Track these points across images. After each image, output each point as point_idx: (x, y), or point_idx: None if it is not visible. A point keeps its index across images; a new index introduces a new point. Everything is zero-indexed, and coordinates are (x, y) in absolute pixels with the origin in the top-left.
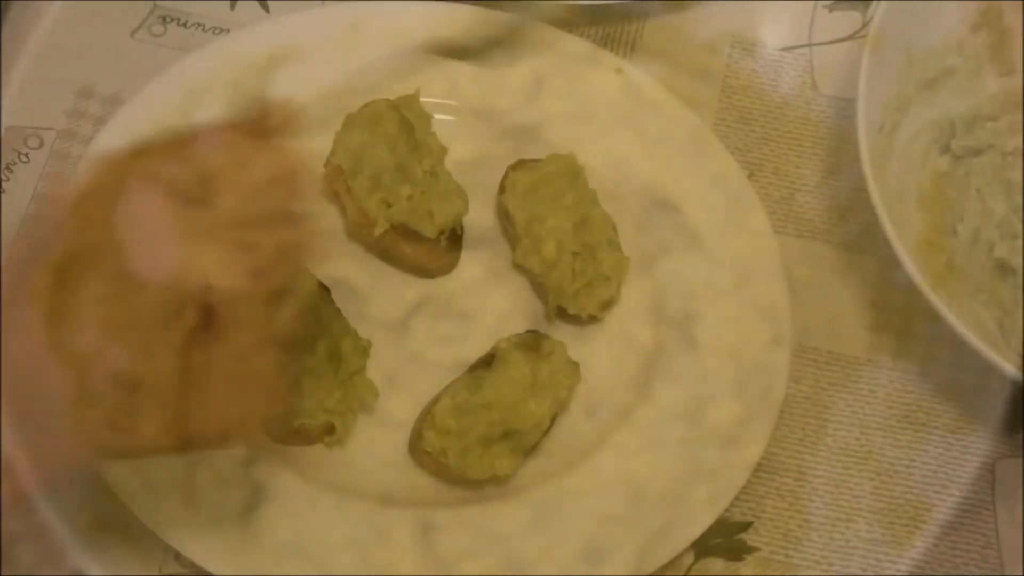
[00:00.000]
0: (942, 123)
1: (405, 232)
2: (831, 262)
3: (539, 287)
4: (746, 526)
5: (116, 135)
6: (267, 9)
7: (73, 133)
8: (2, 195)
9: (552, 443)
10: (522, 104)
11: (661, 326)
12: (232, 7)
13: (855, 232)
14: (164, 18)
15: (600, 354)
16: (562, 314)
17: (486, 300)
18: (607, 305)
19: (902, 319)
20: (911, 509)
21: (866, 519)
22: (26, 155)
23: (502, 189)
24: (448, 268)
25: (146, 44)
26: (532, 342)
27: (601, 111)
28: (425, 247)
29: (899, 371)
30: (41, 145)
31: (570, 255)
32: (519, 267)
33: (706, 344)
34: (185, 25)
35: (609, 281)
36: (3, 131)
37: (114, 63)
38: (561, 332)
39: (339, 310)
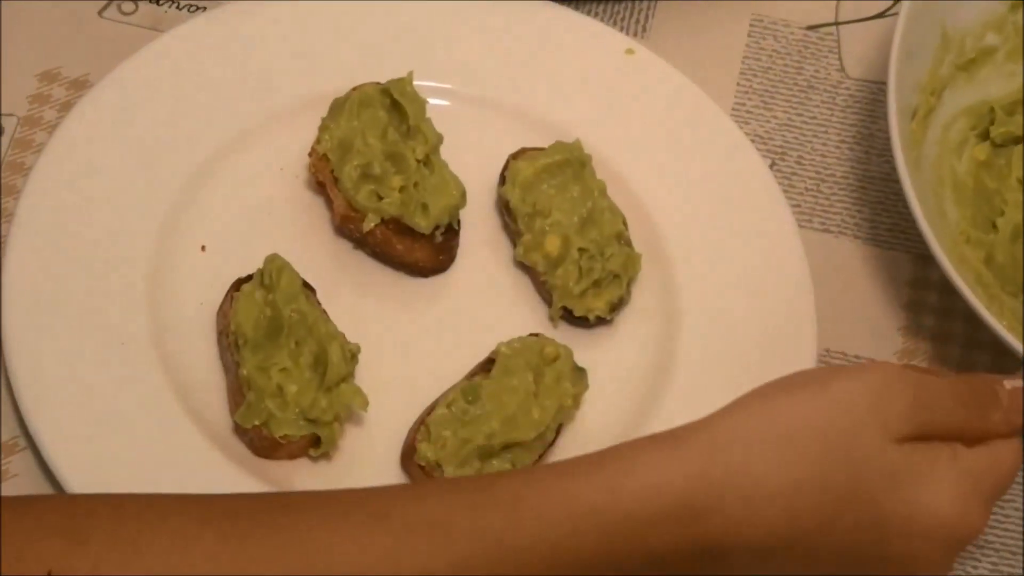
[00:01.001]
0: (981, 108)
1: (397, 227)
2: (860, 259)
3: (543, 286)
4: None
5: (82, 122)
6: None
7: (36, 119)
8: None
9: (558, 457)
10: (525, 88)
11: (675, 329)
12: None
13: (886, 227)
14: None
15: (610, 360)
16: (568, 316)
17: (485, 300)
18: (617, 306)
19: (938, 321)
20: None
21: None
22: None
23: (503, 180)
24: (444, 266)
25: (115, 23)
26: (535, 346)
27: (610, 95)
28: (419, 243)
29: None
30: (1, 132)
31: (576, 252)
32: (521, 265)
33: (724, 349)
34: (158, 2)
35: (619, 280)
36: None
37: (80, 44)
38: (567, 335)
39: (324, 312)
